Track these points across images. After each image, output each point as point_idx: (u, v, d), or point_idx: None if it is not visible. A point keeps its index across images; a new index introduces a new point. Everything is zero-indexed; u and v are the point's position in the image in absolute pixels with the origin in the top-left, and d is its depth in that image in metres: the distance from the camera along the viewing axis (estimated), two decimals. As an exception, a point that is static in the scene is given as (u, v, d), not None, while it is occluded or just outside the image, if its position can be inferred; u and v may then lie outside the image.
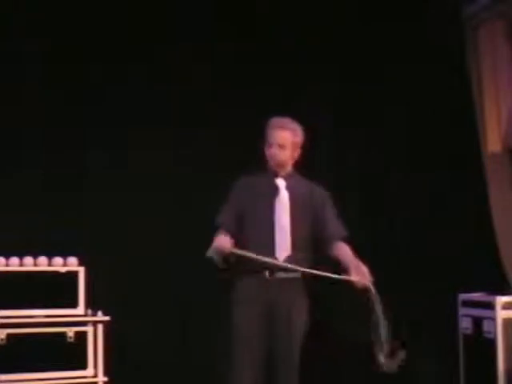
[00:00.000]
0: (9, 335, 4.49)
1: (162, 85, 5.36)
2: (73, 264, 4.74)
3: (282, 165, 3.84)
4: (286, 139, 3.78)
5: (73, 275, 4.70)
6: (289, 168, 3.89)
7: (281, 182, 3.82)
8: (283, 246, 3.74)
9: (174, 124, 5.38)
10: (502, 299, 4.89)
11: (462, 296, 5.23)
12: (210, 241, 3.89)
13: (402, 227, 5.76)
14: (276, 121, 3.83)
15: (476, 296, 5.14)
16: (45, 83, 5.12)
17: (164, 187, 5.33)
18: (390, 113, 5.81)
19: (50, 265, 4.72)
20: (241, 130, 5.28)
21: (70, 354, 4.60)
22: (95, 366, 4.63)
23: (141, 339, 5.12)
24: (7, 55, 5.05)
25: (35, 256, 4.71)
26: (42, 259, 4.71)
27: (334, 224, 3.91)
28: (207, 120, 5.43)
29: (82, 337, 4.63)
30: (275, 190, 3.79)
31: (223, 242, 3.70)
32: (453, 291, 5.26)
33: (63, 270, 4.71)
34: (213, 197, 5.30)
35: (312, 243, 3.88)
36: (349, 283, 3.73)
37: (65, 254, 4.77)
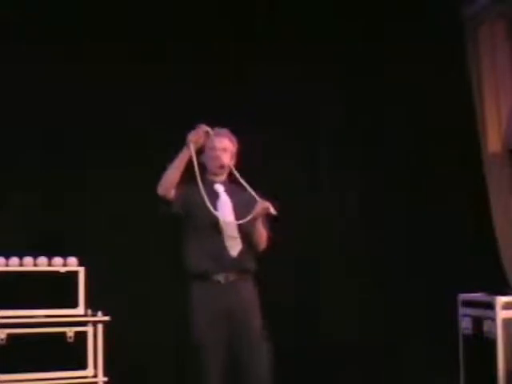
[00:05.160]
0: (9, 335, 4.49)
1: (162, 85, 5.36)
2: (73, 264, 4.74)
3: (223, 168, 3.99)
4: (227, 145, 4.00)
5: (73, 275, 4.70)
6: (225, 175, 4.02)
7: (219, 188, 3.97)
8: (234, 243, 3.86)
9: (175, 124, 5.37)
10: (502, 299, 4.88)
11: (462, 296, 5.22)
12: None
13: (402, 227, 5.75)
14: (216, 130, 4.00)
15: (476, 296, 5.13)
16: (45, 83, 5.12)
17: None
18: (389, 113, 5.82)
19: (49, 265, 4.71)
20: (241, 129, 5.27)
21: (69, 354, 4.59)
22: (95, 366, 4.63)
23: (141, 339, 5.12)
24: (7, 55, 5.05)
25: (35, 256, 4.71)
26: (42, 259, 4.71)
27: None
28: (207, 120, 5.41)
29: (81, 337, 4.63)
30: (215, 195, 3.93)
31: None
32: (453, 291, 5.26)
33: (63, 270, 4.71)
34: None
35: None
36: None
37: (65, 254, 4.77)
